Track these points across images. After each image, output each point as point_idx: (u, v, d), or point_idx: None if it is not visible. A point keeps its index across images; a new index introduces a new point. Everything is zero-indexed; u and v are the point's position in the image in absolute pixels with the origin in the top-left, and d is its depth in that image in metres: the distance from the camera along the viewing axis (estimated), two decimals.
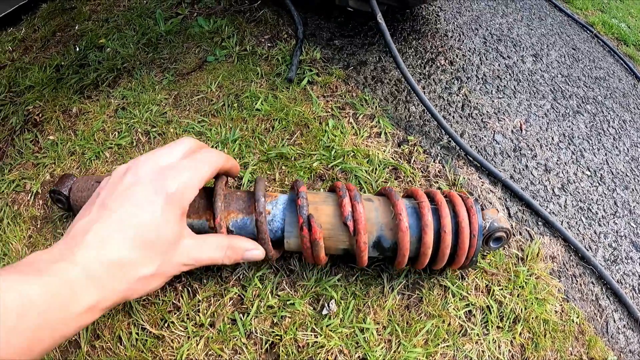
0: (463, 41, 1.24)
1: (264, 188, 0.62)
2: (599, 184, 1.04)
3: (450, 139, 0.92)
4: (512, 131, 1.03)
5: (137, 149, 0.87)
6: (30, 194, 0.85)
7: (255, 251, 0.61)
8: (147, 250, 0.48)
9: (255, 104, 0.92)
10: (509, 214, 0.88)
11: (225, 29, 1.09)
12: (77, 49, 1.11)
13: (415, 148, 0.89)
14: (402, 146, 0.89)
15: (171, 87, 0.98)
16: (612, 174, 1.08)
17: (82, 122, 0.94)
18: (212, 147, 0.85)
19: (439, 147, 0.92)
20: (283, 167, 0.82)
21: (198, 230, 0.64)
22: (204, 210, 0.62)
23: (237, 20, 1.11)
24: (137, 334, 0.66)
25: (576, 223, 0.94)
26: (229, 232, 0.63)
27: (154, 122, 0.91)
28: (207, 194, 0.63)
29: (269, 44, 1.07)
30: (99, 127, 0.91)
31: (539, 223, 0.88)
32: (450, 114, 1.01)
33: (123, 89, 0.99)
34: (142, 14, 1.16)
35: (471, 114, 1.03)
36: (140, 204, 0.49)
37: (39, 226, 0.81)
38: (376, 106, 0.96)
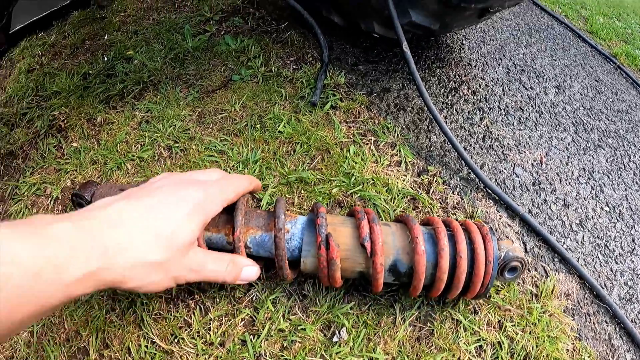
0: (486, 71, 1.25)
1: (285, 207, 0.63)
2: (618, 220, 1.03)
3: (470, 170, 0.93)
4: (532, 164, 1.03)
5: (158, 162, 0.89)
6: (50, 199, 0.87)
7: (252, 267, 0.63)
8: (160, 241, 0.49)
9: (278, 126, 0.93)
10: (526, 249, 0.88)
11: (251, 49, 1.11)
12: (105, 59, 1.14)
13: (435, 178, 0.90)
14: (421, 176, 0.90)
15: (196, 103, 1.00)
16: (631, 210, 1.07)
17: (106, 132, 0.96)
18: (233, 166, 0.87)
19: (458, 179, 0.92)
20: (302, 192, 0.83)
21: (215, 245, 0.65)
22: (223, 224, 0.64)
23: (263, 40, 1.14)
24: (147, 346, 0.67)
25: (592, 260, 0.93)
26: (247, 247, 0.64)
27: (177, 137, 0.92)
28: (228, 210, 0.64)
29: (294, 66, 1.09)
30: (122, 139, 0.94)
31: (555, 259, 0.88)
32: (471, 145, 1.02)
33: (148, 102, 1.01)
34: (171, 29, 1.19)
35: (492, 145, 1.04)
36: (167, 201, 0.51)
37: None
38: (398, 134, 0.97)
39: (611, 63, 1.62)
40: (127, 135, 0.94)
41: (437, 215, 0.85)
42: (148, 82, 1.06)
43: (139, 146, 0.92)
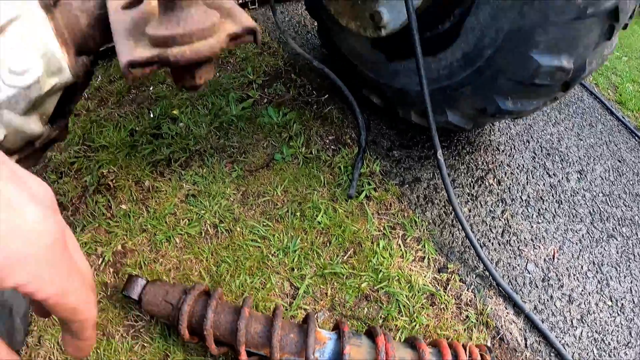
0: (513, 156, 1.39)
1: (314, 345, 0.78)
2: (618, 314, 1.19)
3: (485, 269, 1.09)
4: (544, 260, 1.19)
5: (205, 240, 1.04)
6: (101, 259, 1.02)
7: None
8: None
9: (317, 216, 1.09)
10: (526, 344, 1.04)
11: (293, 125, 1.25)
12: (152, 115, 1.28)
13: (453, 276, 1.06)
14: (441, 273, 1.06)
15: (239, 182, 1.15)
16: (634, 302, 1.23)
17: (154, 199, 1.11)
18: (274, 253, 1.03)
19: (474, 275, 1.08)
20: (335, 284, 0.99)
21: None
22: (262, 346, 0.80)
23: (304, 115, 1.28)
24: None
25: (587, 354, 1.09)
26: None
27: (222, 216, 1.08)
28: (266, 329, 0.80)
29: (332, 147, 1.23)
30: (170, 210, 1.09)
31: (552, 354, 1.04)
32: (489, 240, 1.18)
33: (194, 174, 1.16)
34: (215, 91, 1.33)
35: (509, 240, 1.19)
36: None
37: (109, 293, 0.97)
38: (424, 229, 1.13)
39: (636, 138, 1.75)
40: (175, 208, 1.10)
41: (451, 312, 1.01)
42: (194, 150, 1.20)
43: (187, 221, 1.08)
